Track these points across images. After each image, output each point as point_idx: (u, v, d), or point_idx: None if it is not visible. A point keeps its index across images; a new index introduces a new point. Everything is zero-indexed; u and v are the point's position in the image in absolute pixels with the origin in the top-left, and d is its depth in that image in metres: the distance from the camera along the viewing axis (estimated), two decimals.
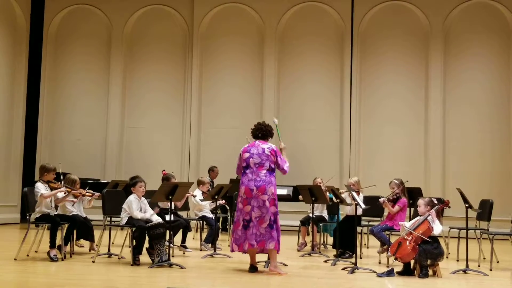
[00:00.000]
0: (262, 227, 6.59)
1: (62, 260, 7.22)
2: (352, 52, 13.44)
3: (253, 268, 6.75)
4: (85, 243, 8.47)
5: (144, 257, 7.14)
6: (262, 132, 6.94)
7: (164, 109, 13.95)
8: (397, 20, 13.44)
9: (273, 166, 6.76)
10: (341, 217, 8.80)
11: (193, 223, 9.93)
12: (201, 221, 9.38)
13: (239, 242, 6.70)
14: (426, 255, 6.56)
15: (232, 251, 6.86)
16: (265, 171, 6.68)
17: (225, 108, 13.76)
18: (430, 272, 6.66)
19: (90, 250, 8.14)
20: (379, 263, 7.77)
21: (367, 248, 9.52)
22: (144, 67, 14.12)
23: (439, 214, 6.88)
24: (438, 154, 12.96)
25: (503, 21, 13.03)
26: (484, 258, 8.15)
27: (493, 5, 13.05)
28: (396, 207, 8.03)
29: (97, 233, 7.89)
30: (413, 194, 9.29)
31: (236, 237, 6.73)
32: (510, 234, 8.02)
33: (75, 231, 7.76)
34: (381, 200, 8.11)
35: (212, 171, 12.25)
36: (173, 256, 7.61)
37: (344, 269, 7.08)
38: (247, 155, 6.78)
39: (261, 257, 7.11)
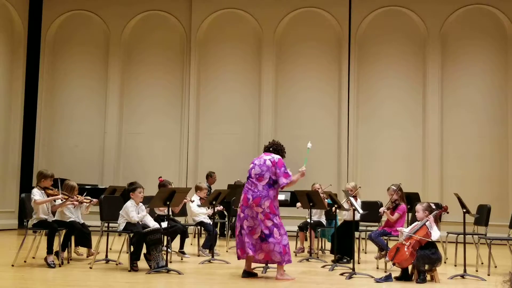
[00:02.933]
0: (253, 238, 6.63)
1: (60, 266, 7.21)
2: (350, 57, 13.47)
3: (245, 273, 6.75)
4: (82, 249, 8.44)
5: (142, 263, 7.12)
6: (269, 147, 6.95)
7: (162, 115, 13.95)
8: (395, 25, 13.48)
9: (274, 177, 6.68)
10: (339, 222, 8.80)
11: (190, 229, 9.93)
12: (198, 227, 9.37)
13: (239, 247, 6.75)
14: (424, 260, 6.56)
15: (238, 258, 6.83)
16: (264, 183, 6.65)
17: (223, 114, 13.77)
18: (428, 277, 6.66)
19: (87, 256, 8.13)
20: (377, 268, 7.77)
21: (365, 253, 9.53)
22: (142, 73, 14.13)
23: (437, 220, 6.87)
24: (436, 159, 12.97)
25: (499, 26, 13.08)
26: (482, 263, 8.16)
27: (490, 10, 13.10)
28: (396, 215, 8.02)
29: (94, 239, 7.87)
30: (411, 199, 9.28)
31: (237, 242, 6.80)
32: (508, 239, 8.02)
33: (73, 237, 7.74)
34: (381, 210, 8.12)
35: (210, 176, 12.24)
36: (170, 262, 7.61)
37: (342, 274, 7.07)
38: (251, 165, 6.85)
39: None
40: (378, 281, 6.63)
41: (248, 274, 6.76)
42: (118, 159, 13.91)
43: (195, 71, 13.85)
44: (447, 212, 7.02)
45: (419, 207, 6.96)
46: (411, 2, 13.40)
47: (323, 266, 7.83)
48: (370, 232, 8.29)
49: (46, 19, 14.29)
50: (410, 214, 8.86)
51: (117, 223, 7.38)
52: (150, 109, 13.98)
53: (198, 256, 8.72)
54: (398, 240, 6.93)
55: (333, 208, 8.49)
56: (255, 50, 13.86)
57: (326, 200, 8.78)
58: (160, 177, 8.73)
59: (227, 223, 10.99)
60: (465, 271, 7.02)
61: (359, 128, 13.37)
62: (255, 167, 6.75)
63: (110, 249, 8.28)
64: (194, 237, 10.30)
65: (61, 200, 7.48)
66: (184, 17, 14.07)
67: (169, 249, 7.67)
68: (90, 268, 7.17)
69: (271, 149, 6.93)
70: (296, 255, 9.07)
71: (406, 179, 12.19)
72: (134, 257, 7.04)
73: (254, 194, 6.64)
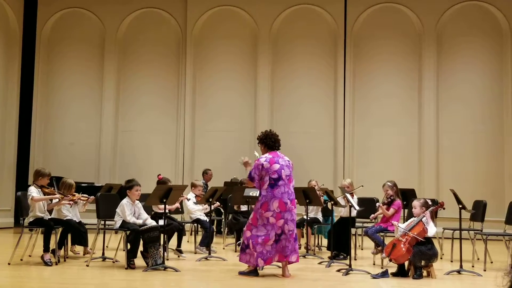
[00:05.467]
0: (292, 239, 6.62)
1: (56, 264, 7.21)
2: (346, 54, 13.47)
3: (256, 272, 6.69)
4: (79, 248, 8.43)
5: (139, 261, 7.12)
6: (279, 143, 6.87)
7: (158, 112, 13.93)
8: (390, 22, 13.49)
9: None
10: (335, 219, 8.81)
11: (187, 226, 9.93)
12: (195, 224, 9.37)
13: (268, 257, 6.55)
14: (420, 256, 6.58)
15: (257, 266, 6.60)
16: (292, 184, 6.69)
17: (219, 111, 13.76)
18: (424, 273, 6.69)
19: (84, 254, 8.12)
20: (374, 264, 7.78)
21: (362, 249, 9.54)
22: (138, 70, 14.10)
23: (433, 216, 6.90)
24: (432, 155, 13.00)
25: (495, 22, 13.10)
26: (478, 259, 8.18)
27: (485, 6, 13.12)
28: (391, 210, 8.05)
29: (91, 237, 7.86)
30: (407, 195, 9.31)
31: (263, 251, 6.53)
32: (504, 234, 8.04)
33: (69, 236, 7.74)
34: (377, 204, 8.17)
35: (206, 174, 12.24)
36: (167, 259, 7.61)
37: (338, 270, 7.09)
38: (277, 166, 6.58)
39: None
40: (374, 277, 6.65)
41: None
42: (114, 156, 13.88)
43: (191, 69, 13.84)
44: (443, 208, 7.05)
45: (416, 203, 6.99)
46: None
47: (320, 263, 7.85)
48: (366, 228, 8.31)
49: (41, 16, 14.24)
50: (406, 210, 8.89)
51: (113, 220, 7.38)
52: (146, 107, 13.96)
53: (195, 253, 8.73)
54: (394, 236, 6.94)
55: (328, 202, 8.52)
56: (251, 48, 13.84)
57: (322, 197, 8.78)
58: (159, 174, 8.72)
59: (223, 220, 10.99)
60: (461, 266, 7.05)
61: (355, 124, 13.38)
62: (284, 168, 6.59)
63: (107, 246, 8.29)
64: (191, 234, 10.30)
65: (58, 199, 7.47)
66: (180, 15, 14.04)
67: (165, 247, 7.67)
68: (87, 266, 7.17)
69: (278, 146, 6.86)
70: None
71: (402, 175, 12.27)
72: (131, 255, 7.03)
73: (290, 197, 6.60)
